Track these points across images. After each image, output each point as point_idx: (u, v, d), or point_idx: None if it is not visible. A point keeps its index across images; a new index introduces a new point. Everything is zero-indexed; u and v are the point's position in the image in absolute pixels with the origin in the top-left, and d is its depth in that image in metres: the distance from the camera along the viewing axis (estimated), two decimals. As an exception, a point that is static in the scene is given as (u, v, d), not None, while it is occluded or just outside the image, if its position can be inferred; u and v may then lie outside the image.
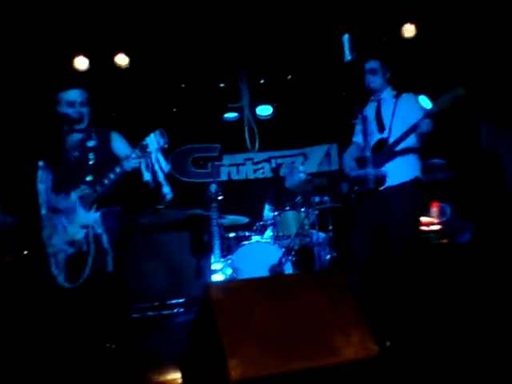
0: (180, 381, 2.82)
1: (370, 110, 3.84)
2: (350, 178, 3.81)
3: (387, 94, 3.78)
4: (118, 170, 3.05)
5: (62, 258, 3.16)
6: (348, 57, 3.21)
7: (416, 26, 5.70)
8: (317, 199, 5.62)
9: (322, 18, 5.41)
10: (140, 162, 2.96)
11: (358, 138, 4.05)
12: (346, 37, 3.23)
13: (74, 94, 3.31)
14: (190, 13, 5.17)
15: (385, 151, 3.55)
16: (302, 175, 6.10)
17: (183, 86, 6.59)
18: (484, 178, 5.56)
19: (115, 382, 2.98)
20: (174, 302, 6.01)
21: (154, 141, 2.91)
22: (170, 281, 5.98)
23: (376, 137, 3.69)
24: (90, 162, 3.24)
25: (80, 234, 3.10)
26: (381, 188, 3.55)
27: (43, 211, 3.22)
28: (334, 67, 6.08)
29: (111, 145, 3.34)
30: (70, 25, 5.09)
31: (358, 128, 4.05)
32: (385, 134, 3.65)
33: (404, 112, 3.64)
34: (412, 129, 3.45)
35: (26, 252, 4.72)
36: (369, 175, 3.08)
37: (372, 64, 3.72)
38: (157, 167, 2.93)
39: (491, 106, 6.02)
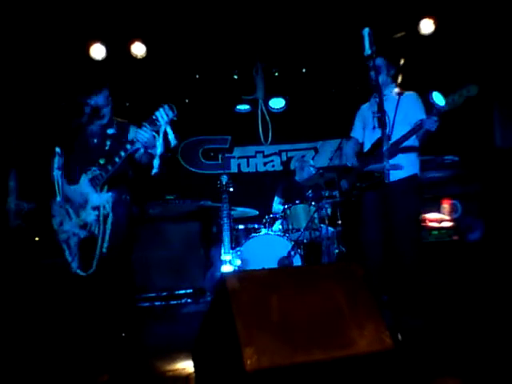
0: (189, 370, 2.84)
1: (373, 107, 3.88)
2: (361, 173, 3.84)
3: (390, 92, 3.86)
4: (128, 146, 3.13)
5: (74, 243, 3.19)
6: (368, 51, 3.18)
7: (434, 22, 5.65)
8: (327, 193, 5.61)
9: (339, 11, 5.38)
10: (154, 136, 3.00)
11: (355, 134, 4.17)
12: (366, 30, 3.18)
13: (100, 100, 3.42)
14: (207, 2, 5.14)
15: (389, 148, 3.58)
16: (312, 169, 6.11)
17: (197, 76, 6.57)
18: (496, 175, 5.54)
19: (126, 369, 3.00)
20: (181, 292, 6.05)
21: (163, 114, 3.01)
22: (179, 271, 6.00)
23: (378, 133, 3.69)
24: (106, 148, 3.30)
25: (91, 216, 3.14)
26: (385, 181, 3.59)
27: (59, 198, 3.24)
28: (348, 61, 6.08)
29: (128, 135, 3.38)
30: (87, 12, 5.08)
31: (357, 124, 4.14)
32: (387, 131, 3.66)
33: (406, 110, 3.74)
34: (419, 126, 3.49)
35: (37, 238, 4.75)
36: (385, 168, 3.07)
37: (377, 61, 3.66)
38: (161, 140, 2.98)
39: (505, 103, 5.99)
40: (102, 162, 3.25)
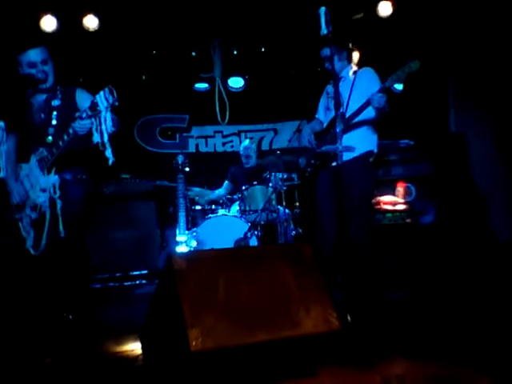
0: (138, 352, 2.79)
1: (330, 89, 4.01)
2: (316, 153, 3.86)
3: (346, 72, 3.93)
4: (70, 130, 2.97)
5: (27, 224, 3.10)
6: (324, 31, 3.16)
7: (393, 4, 5.66)
8: (285, 175, 5.61)
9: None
10: (92, 123, 2.87)
11: (318, 115, 4.24)
12: (322, 10, 3.16)
13: (35, 54, 3.21)
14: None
15: (342, 128, 3.60)
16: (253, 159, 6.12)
17: (154, 52, 6.41)
18: (450, 159, 5.66)
19: (72, 351, 2.93)
20: (136, 273, 5.97)
21: (102, 98, 2.82)
22: (134, 251, 5.92)
23: (333, 113, 3.72)
24: (53, 122, 3.18)
25: (41, 198, 3.04)
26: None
27: (2, 174, 3.12)
28: (309, 41, 6.04)
29: (76, 100, 3.26)
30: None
31: (320, 104, 4.24)
32: (342, 110, 3.72)
33: (361, 87, 3.78)
34: (366, 103, 3.61)
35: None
36: (338, 150, 3.07)
37: (325, 52, 3.86)
38: (103, 127, 2.85)
39: (460, 88, 6.09)
40: (48, 140, 3.13)
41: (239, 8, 5.58)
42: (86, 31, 5.65)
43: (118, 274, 5.90)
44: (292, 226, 5.67)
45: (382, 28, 5.87)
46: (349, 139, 3.61)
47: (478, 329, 2.93)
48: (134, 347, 2.92)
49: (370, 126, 3.86)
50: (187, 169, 5.35)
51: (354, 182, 3.60)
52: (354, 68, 3.98)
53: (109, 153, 2.91)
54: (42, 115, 3.26)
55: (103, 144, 2.86)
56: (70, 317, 3.18)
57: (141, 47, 6.35)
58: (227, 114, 6.13)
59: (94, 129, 2.87)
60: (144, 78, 6.84)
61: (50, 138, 3.14)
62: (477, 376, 2.23)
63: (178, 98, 7.16)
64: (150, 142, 7.34)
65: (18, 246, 3.13)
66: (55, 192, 3.04)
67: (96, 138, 2.86)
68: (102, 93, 2.84)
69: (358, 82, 3.81)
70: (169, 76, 6.81)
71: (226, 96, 6.24)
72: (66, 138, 3.00)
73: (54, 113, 3.21)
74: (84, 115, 2.88)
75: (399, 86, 5.55)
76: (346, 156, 3.61)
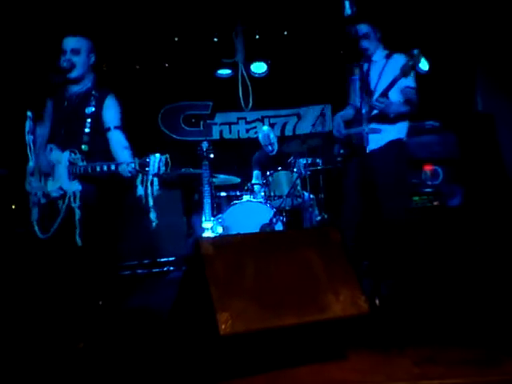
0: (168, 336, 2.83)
1: (360, 72, 3.84)
2: (340, 138, 3.81)
3: (378, 56, 3.79)
4: (112, 167, 2.90)
5: (38, 207, 3.08)
6: (348, 11, 3.13)
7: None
8: (309, 161, 5.58)
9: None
10: (136, 174, 2.82)
11: (352, 100, 4.04)
12: (346, -9, 3.11)
13: (68, 42, 3.15)
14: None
15: (368, 112, 3.56)
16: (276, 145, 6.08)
17: (176, 39, 6.39)
18: (477, 140, 5.55)
19: (104, 337, 2.98)
20: (164, 260, 6.04)
21: (155, 164, 2.76)
22: (161, 239, 5.98)
23: (362, 98, 3.69)
24: (86, 130, 3.11)
25: (56, 194, 3.01)
26: (366, 150, 3.60)
27: (31, 163, 3.13)
28: (332, 24, 5.96)
29: (102, 111, 3.16)
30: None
31: (352, 89, 4.06)
32: (370, 95, 3.66)
33: (391, 73, 3.64)
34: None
35: (13, 206, 4.66)
36: (363, 132, 3.04)
37: (363, 29, 3.73)
38: (149, 190, 2.82)
39: (487, 68, 5.95)
40: (84, 148, 3.06)
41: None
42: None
43: (145, 261, 5.97)
44: (317, 212, 5.65)
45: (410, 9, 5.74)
46: (377, 126, 3.59)
47: (507, 313, 2.90)
48: (163, 332, 2.97)
49: (401, 114, 3.74)
50: (212, 155, 5.34)
51: (385, 170, 3.55)
52: (385, 51, 3.82)
53: (153, 216, 2.91)
54: (75, 113, 3.16)
55: (147, 206, 2.84)
56: (100, 303, 3.22)
57: (163, 34, 6.35)
58: (250, 99, 6.11)
59: (138, 181, 2.82)
60: (167, 65, 6.85)
61: (85, 146, 3.08)
62: (503, 358, 2.22)
63: (201, 84, 7.16)
64: (175, 129, 7.38)
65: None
66: (75, 201, 3.00)
67: (140, 191, 2.82)
68: (157, 157, 2.77)
69: (388, 68, 3.69)
70: (191, 63, 6.82)
71: (248, 81, 6.22)
72: (105, 168, 2.92)
73: (88, 120, 3.12)
74: (132, 166, 2.81)
75: (425, 67, 5.44)
76: (375, 144, 3.60)
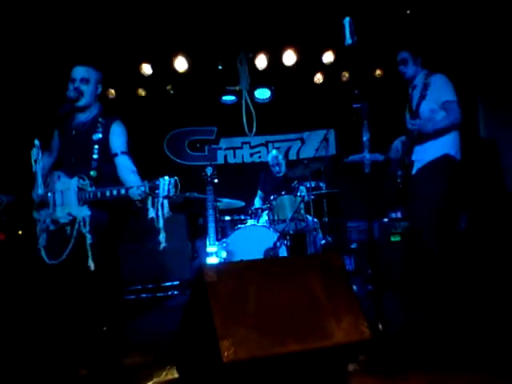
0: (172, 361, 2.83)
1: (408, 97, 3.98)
2: (397, 160, 3.93)
3: (420, 79, 3.85)
4: (122, 191, 2.95)
5: (46, 234, 3.10)
6: (349, 40, 3.17)
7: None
8: (313, 184, 5.63)
9: (322, 1, 5.34)
10: (146, 197, 2.85)
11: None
12: (347, 20, 3.18)
13: (77, 71, 3.21)
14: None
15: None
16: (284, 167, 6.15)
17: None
18: (480, 165, 5.57)
19: (107, 363, 2.99)
20: (168, 284, 6.04)
21: (165, 187, 2.80)
22: (165, 263, 5.99)
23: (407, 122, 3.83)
24: (94, 156, 3.16)
25: (64, 220, 3.05)
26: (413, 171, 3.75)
27: (39, 191, 3.16)
28: (333, 51, 6.06)
29: (109, 137, 3.21)
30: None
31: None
32: (413, 118, 3.76)
33: (431, 93, 3.70)
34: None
35: (20, 232, 4.70)
36: (365, 159, 3.09)
37: (402, 55, 3.89)
38: (160, 212, 2.86)
39: (488, 93, 6.00)
40: (92, 174, 3.11)
41: (263, 20, 5.64)
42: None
43: (150, 286, 5.98)
44: (321, 235, 5.67)
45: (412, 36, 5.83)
46: (423, 146, 3.71)
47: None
48: (166, 359, 2.97)
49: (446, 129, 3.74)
50: (216, 180, 5.39)
51: (423, 190, 3.62)
52: (426, 73, 3.85)
53: (162, 237, 2.95)
54: (82, 141, 3.21)
55: (158, 227, 2.88)
56: (104, 328, 3.22)
57: (168, 61, 6.47)
58: (254, 125, 6.16)
59: (149, 204, 2.86)
60: (172, 92, 6.96)
61: (93, 172, 3.12)
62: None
63: (205, 110, 7.27)
64: (180, 154, 7.47)
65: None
66: (85, 226, 3.03)
67: (151, 213, 2.86)
68: (167, 180, 2.81)
69: (428, 89, 3.72)
70: (196, 89, 6.93)
71: (252, 107, 6.29)
72: (115, 193, 2.96)
73: (96, 146, 3.17)
74: (142, 189, 2.84)
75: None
76: (421, 162, 3.71)
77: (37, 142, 3.15)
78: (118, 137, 3.24)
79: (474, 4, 5.33)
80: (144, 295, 5.93)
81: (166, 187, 2.80)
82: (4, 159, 4.92)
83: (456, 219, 4.71)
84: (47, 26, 5.19)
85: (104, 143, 3.19)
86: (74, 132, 3.24)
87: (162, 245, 2.94)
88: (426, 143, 3.71)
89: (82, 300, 3.09)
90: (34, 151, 3.12)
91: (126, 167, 3.17)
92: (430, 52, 4.19)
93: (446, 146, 3.72)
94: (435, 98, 3.69)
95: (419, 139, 3.71)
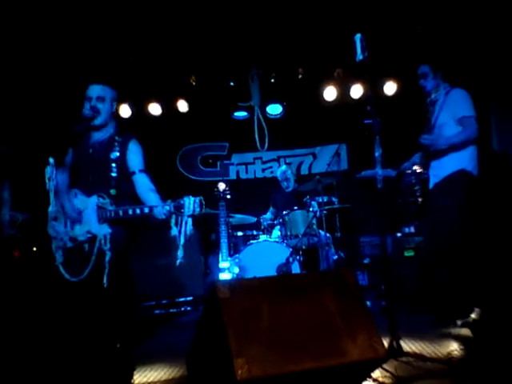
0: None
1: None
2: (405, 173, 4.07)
3: (440, 93, 3.89)
4: (146, 210, 2.98)
5: (62, 251, 3.12)
6: (360, 56, 3.19)
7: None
8: (325, 199, 5.62)
9: (334, 17, 5.37)
10: (170, 215, 2.88)
11: None
12: (357, 36, 3.20)
13: (93, 89, 3.24)
14: (201, 9, 5.14)
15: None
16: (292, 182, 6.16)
17: (194, 83, 6.59)
18: (493, 178, 5.52)
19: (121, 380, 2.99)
20: (181, 300, 6.05)
21: (190, 206, 2.83)
22: (178, 279, 6.00)
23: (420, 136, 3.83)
24: (113, 175, 3.18)
25: (83, 238, 3.06)
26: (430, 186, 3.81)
27: (53, 208, 3.19)
28: (344, 67, 6.08)
29: (127, 156, 3.24)
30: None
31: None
32: (429, 133, 3.80)
33: (449, 108, 3.74)
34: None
35: (35, 248, 4.74)
36: (377, 175, 3.09)
37: (422, 69, 3.93)
38: (183, 229, 2.88)
39: (501, 106, 5.97)
40: (112, 192, 3.13)
41: (275, 36, 5.68)
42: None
43: (163, 302, 5.99)
44: (333, 250, 5.65)
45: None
46: (439, 161, 3.74)
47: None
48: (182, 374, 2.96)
49: (462, 144, 3.74)
50: (228, 196, 5.42)
51: (439, 205, 3.65)
52: (447, 88, 3.89)
53: (180, 254, 2.94)
54: (100, 159, 3.22)
55: (179, 244, 2.90)
56: (118, 345, 3.22)
57: (181, 78, 6.54)
58: (266, 140, 6.20)
59: (173, 222, 2.88)
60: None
61: (113, 190, 3.14)
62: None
63: (217, 126, 7.32)
64: (192, 170, 7.51)
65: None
66: (105, 243, 3.05)
67: (174, 231, 2.87)
68: (191, 199, 2.84)
69: (445, 104, 3.77)
70: (209, 106, 6.99)
71: (264, 123, 6.34)
72: (138, 212, 2.99)
73: (113, 165, 3.18)
74: (167, 208, 2.87)
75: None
76: (437, 178, 3.74)
77: (51, 159, 3.18)
78: (135, 155, 3.25)
79: (484, 15, 5.33)
80: (157, 311, 5.94)
81: (192, 206, 2.82)
82: (20, 177, 4.99)
83: (473, 235, 4.67)
84: (62, 44, 5.28)
85: (122, 161, 3.21)
86: (91, 150, 3.25)
87: (179, 260, 2.95)
88: (443, 158, 3.71)
89: (97, 316, 3.11)
90: (48, 169, 3.13)
91: (144, 185, 3.19)
92: (444, 65, 4.19)
93: (462, 161, 3.72)
94: (452, 112, 3.69)
95: (435, 154, 3.71)
